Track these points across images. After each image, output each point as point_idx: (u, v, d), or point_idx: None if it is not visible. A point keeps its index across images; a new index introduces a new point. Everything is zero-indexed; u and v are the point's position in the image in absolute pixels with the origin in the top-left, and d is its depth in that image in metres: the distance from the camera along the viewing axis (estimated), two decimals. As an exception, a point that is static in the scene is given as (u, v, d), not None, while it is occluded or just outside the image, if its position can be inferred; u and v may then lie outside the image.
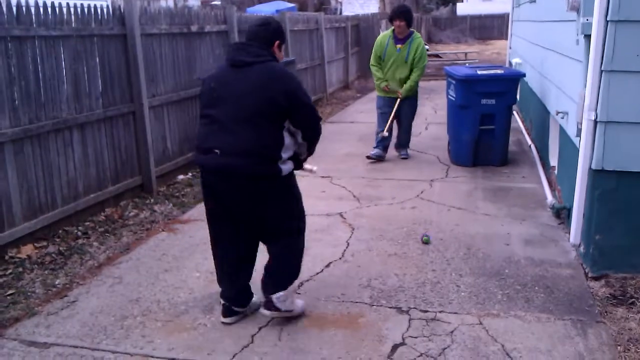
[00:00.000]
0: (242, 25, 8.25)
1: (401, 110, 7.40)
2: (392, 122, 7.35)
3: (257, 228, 3.43)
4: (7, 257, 4.48)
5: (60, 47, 5.02)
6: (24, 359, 3.26)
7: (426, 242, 4.67)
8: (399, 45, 7.13)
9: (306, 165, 3.69)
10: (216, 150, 3.18)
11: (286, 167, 3.28)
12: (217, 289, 3.99)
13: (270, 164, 3.20)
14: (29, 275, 4.28)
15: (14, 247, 4.56)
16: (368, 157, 7.40)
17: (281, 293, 3.43)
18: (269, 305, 3.45)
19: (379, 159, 7.41)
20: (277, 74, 3.24)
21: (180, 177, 6.75)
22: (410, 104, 7.42)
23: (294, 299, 3.55)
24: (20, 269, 4.36)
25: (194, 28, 7.04)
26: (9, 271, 4.32)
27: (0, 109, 4.43)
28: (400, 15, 7.01)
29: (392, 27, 7.16)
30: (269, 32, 3.36)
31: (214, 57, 7.60)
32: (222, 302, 3.58)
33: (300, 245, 3.58)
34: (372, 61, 7.41)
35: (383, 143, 7.47)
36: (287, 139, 3.28)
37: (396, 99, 7.28)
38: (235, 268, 3.55)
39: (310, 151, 3.56)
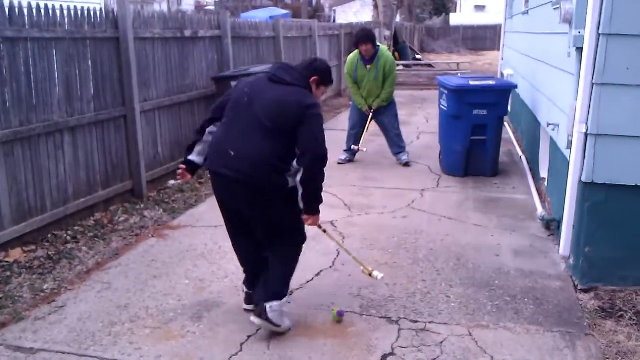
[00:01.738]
0: (235, 31, 8.26)
1: (382, 120, 7.71)
2: (356, 133, 7.79)
3: (260, 228, 3.55)
4: (-6, 261, 4.44)
5: (53, 50, 4.99)
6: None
7: (338, 319, 3.70)
8: (368, 66, 7.51)
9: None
10: (231, 152, 3.30)
11: (293, 180, 3.34)
12: (206, 297, 4.00)
13: (277, 174, 3.28)
14: (16, 280, 4.24)
15: (2, 251, 4.52)
16: (339, 163, 7.77)
17: (275, 303, 3.41)
18: (261, 312, 3.41)
19: (346, 161, 7.82)
20: (308, 96, 3.42)
21: (171, 182, 6.72)
22: (388, 112, 7.68)
23: (284, 315, 3.50)
24: (8, 273, 4.31)
25: (187, 33, 7.03)
26: (-4, 275, 4.28)
27: (-10, 111, 4.40)
28: (367, 40, 7.37)
29: (358, 50, 7.52)
30: (313, 67, 3.57)
31: (207, 62, 7.60)
32: (245, 289, 3.79)
33: (296, 255, 3.64)
34: (349, 83, 7.79)
35: (351, 150, 7.87)
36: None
37: (369, 111, 7.63)
38: (251, 257, 3.72)
39: (309, 196, 3.38)
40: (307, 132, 3.27)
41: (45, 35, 4.87)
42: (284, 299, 3.49)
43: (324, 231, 3.72)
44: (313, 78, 3.51)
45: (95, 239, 5.03)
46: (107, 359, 3.26)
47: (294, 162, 3.28)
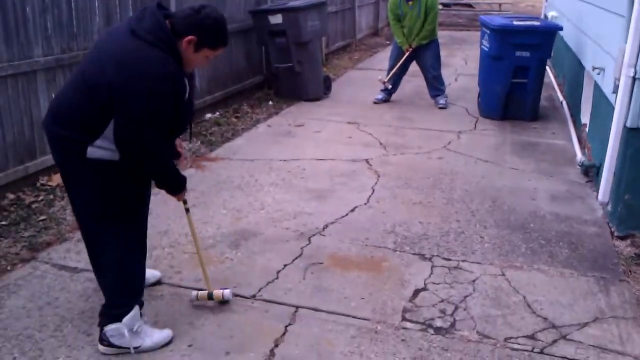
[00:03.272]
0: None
1: (421, 60, 7.53)
2: (395, 73, 7.59)
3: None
4: (38, 184, 4.57)
5: (94, -23, 4.98)
6: (56, 281, 3.36)
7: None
8: (410, 2, 7.29)
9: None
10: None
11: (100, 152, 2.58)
12: (243, 226, 4.08)
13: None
14: (59, 203, 4.37)
15: (45, 175, 4.64)
16: (375, 102, 7.74)
17: (113, 327, 2.78)
18: (100, 338, 2.82)
19: (381, 101, 7.75)
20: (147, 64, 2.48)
21: (208, 115, 6.76)
22: (429, 52, 7.47)
23: (140, 333, 2.81)
24: (51, 197, 4.45)
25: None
26: (41, 198, 4.41)
27: (33, 37, 4.44)
28: None
29: None
30: (192, 20, 2.55)
31: (245, -5, 7.50)
32: None
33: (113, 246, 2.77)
34: (391, 20, 7.57)
35: (388, 91, 7.74)
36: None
37: (409, 50, 7.45)
38: None
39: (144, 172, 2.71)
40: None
41: (87, -38, 4.85)
42: (128, 317, 2.77)
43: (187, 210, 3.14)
44: (188, 37, 2.54)
45: (135, 168, 5.12)
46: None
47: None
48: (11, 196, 4.35)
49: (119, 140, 2.52)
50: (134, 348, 2.77)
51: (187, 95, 2.67)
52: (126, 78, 2.44)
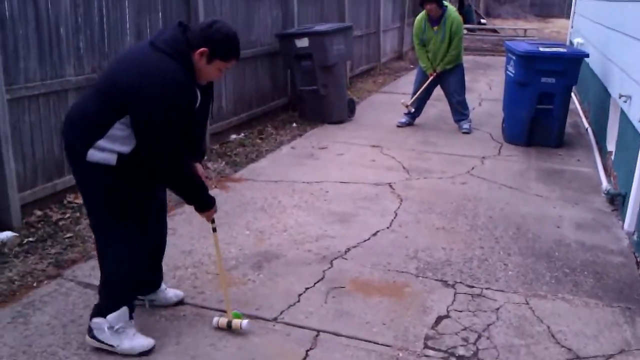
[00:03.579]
0: (301, -12, 8.22)
1: (445, 84, 7.54)
2: (418, 97, 7.60)
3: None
4: (65, 202, 4.65)
5: (126, 0, 5.09)
6: (80, 299, 3.40)
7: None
8: (435, 27, 7.29)
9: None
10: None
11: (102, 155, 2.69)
12: (265, 248, 4.09)
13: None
14: (85, 221, 4.42)
15: (72, 192, 4.71)
16: (398, 126, 7.75)
17: (96, 320, 2.91)
18: (88, 329, 2.95)
19: (405, 125, 7.76)
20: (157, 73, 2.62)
21: (233, 136, 6.83)
22: (453, 76, 7.48)
23: (123, 333, 2.91)
24: (78, 214, 4.51)
25: (254, -12, 7.04)
26: (67, 215, 4.48)
27: (66, 56, 4.55)
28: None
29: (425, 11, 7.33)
30: (205, 33, 2.69)
31: (271, 18, 7.61)
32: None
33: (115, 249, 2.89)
34: (416, 45, 7.59)
35: (411, 114, 7.76)
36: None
37: (433, 75, 7.46)
38: None
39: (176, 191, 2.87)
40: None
41: (119, -15, 4.97)
42: (113, 316, 2.88)
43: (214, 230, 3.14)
44: (200, 49, 2.67)
45: (160, 187, 5.18)
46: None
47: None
48: (39, 213, 4.43)
49: (142, 148, 2.67)
50: (110, 346, 2.88)
51: (197, 104, 2.77)
52: (142, 84, 2.58)
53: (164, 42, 2.66)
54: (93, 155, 2.67)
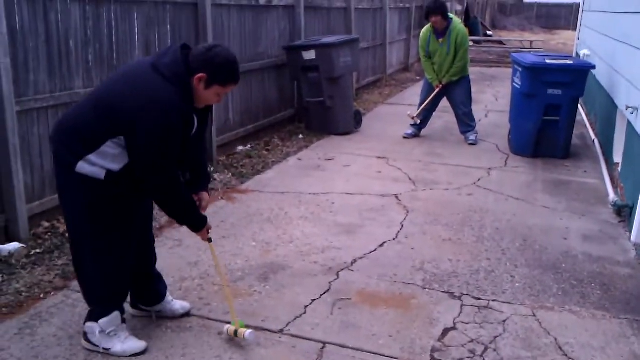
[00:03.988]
0: (307, 1, 8.27)
1: (452, 96, 7.57)
2: (425, 108, 7.64)
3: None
4: (73, 213, 4.67)
5: (135, 13, 5.14)
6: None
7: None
8: (440, 40, 7.32)
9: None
10: None
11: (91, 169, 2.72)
12: (272, 259, 4.10)
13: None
14: (93, 232, 4.45)
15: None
16: (404, 137, 7.78)
17: (88, 324, 3.01)
18: (83, 333, 3.06)
19: (411, 136, 7.78)
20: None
21: (240, 148, 6.86)
22: (459, 88, 7.49)
23: (115, 336, 2.99)
24: (85, 225, 4.53)
25: (262, 1, 7.09)
26: (75, 226, 4.50)
27: (75, 69, 4.59)
28: (436, 11, 7.17)
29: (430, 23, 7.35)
30: (203, 58, 2.70)
31: (279, 31, 7.65)
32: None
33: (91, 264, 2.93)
34: (422, 57, 7.63)
35: (418, 126, 7.77)
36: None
37: (439, 87, 7.50)
38: None
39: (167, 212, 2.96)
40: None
41: (128, -2, 5.02)
42: (104, 320, 2.96)
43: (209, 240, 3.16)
44: (199, 75, 2.68)
45: (167, 198, 5.20)
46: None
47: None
48: (46, 224, 4.45)
49: (137, 171, 2.72)
50: (104, 349, 2.96)
51: (194, 130, 2.82)
52: (140, 110, 2.61)
53: (165, 66, 2.67)
54: (82, 167, 2.70)
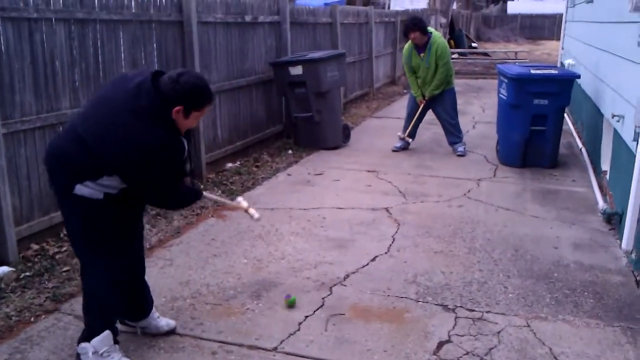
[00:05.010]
0: (293, 17, 8.31)
1: (437, 109, 7.61)
2: (413, 127, 7.70)
3: None
4: (62, 235, 4.62)
5: (120, 32, 5.14)
6: (79, 333, 3.33)
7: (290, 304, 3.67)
8: (422, 54, 7.38)
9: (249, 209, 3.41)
10: None
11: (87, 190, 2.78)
12: (264, 276, 4.07)
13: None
14: (82, 253, 4.40)
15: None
16: (393, 150, 7.79)
17: (82, 345, 2.98)
18: (76, 355, 3.02)
19: (400, 149, 7.79)
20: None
21: (229, 165, 6.84)
22: (443, 101, 7.53)
23: (113, 356, 2.98)
24: (75, 247, 4.48)
25: (247, 18, 7.11)
26: (64, 248, 4.46)
27: (61, 90, 4.57)
28: (414, 28, 7.25)
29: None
30: (175, 90, 2.71)
31: (265, 47, 7.67)
32: None
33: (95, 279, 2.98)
34: (407, 72, 7.69)
35: (404, 142, 7.84)
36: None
37: (421, 103, 7.55)
38: None
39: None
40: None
41: (113, 17, 5.01)
42: (97, 340, 2.94)
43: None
44: (176, 108, 2.71)
45: (158, 217, 5.17)
46: (170, 333, 3.36)
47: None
48: (35, 247, 4.41)
49: (148, 202, 3.07)
50: None
51: (186, 153, 2.88)
52: (139, 161, 2.69)
53: (145, 110, 2.67)
54: (80, 190, 2.76)
